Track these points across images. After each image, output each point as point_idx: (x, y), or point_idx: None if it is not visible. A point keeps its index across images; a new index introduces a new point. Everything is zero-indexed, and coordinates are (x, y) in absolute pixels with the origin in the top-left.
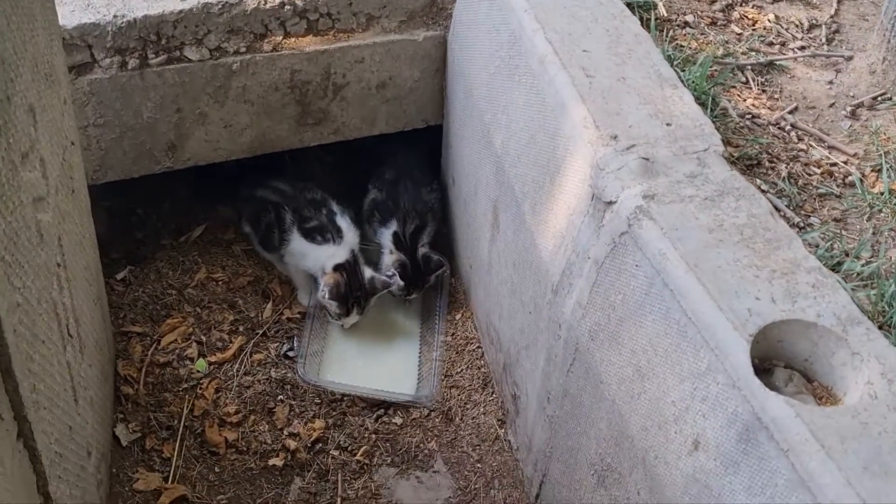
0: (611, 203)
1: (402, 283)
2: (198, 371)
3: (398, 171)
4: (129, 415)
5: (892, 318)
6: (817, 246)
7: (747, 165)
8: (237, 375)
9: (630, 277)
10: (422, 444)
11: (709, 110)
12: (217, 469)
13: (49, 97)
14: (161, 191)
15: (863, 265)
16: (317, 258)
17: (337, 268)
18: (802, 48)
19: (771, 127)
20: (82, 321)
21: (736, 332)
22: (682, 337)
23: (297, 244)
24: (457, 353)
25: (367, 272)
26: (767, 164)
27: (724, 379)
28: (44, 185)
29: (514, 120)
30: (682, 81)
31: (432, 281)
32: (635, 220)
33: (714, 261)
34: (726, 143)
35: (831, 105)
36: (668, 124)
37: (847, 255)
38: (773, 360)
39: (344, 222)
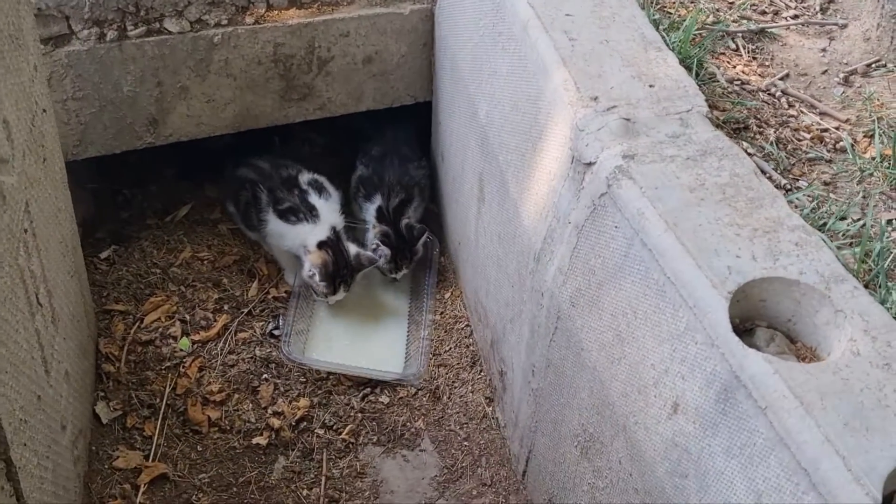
0: (590, 164)
1: (388, 251)
2: (181, 349)
3: (385, 147)
4: (109, 392)
5: (878, 275)
6: (804, 207)
7: (734, 129)
8: (221, 354)
9: (609, 239)
10: (408, 423)
11: (694, 74)
12: (199, 448)
13: (14, 59)
14: (148, 172)
15: (849, 225)
16: (294, 237)
17: (321, 245)
18: (795, 17)
19: (760, 93)
20: (55, 293)
21: (714, 290)
22: (660, 297)
23: (274, 225)
24: (445, 331)
25: (353, 248)
26: (755, 128)
27: (703, 338)
28: (7, 148)
29: (498, 88)
30: (668, 45)
31: (420, 251)
32: (614, 181)
33: (694, 219)
34: (713, 107)
35: (824, 72)
36: (650, 86)
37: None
38: (755, 320)
39: (318, 201)
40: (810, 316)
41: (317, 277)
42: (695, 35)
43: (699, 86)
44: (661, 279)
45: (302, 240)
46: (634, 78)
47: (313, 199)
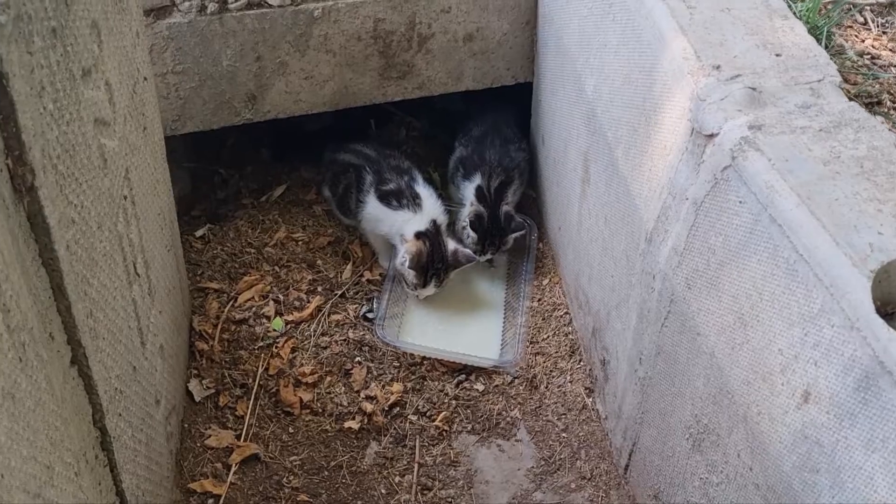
0: (712, 136)
1: (474, 234)
2: (274, 330)
3: (486, 128)
4: (203, 370)
5: None
6: None
7: (866, 104)
8: (314, 335)
9: (732, 216)
10: (504, 412)
11: (823, 46)
12: (291, 430)
13: (118, 22)
14: (245, 153)
15: None
16: (392, 224)
17: (419, 235)
18: None
19: (893, 68)
20: (153, 265)
21: (855, 269)
22: (791, 277)
23: (373, 207)
24: (543, 319)
25: (451, 244)
26: (889, 103)
27: (840, 320)
28: (109, 111)
29: (608, 62)
30: (794, 13)
31: (510, 242)
32: (740, 152)
33: (829, 193)
34: (844, 79)
35: None
36: (777, 55)
37: None
38: None
39: (424, 190)
40: None
41: (407, 264)
42: (820, 6)
43: None
44: (793, 257)
45: (399, 227)
46: (759, 46)
47: (420, 187)
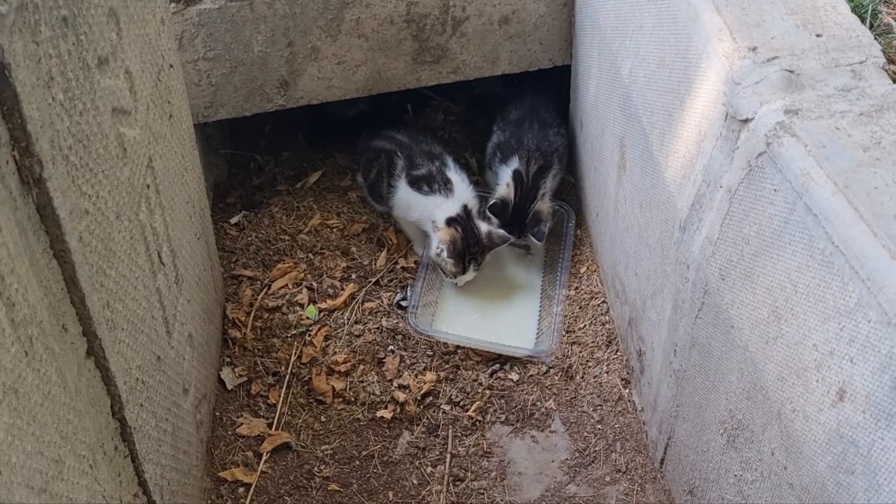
0: (747, 121)
1: (496, 220)
2: (307, 318)
3: (524, 112)
4: (235, 358)
5: None
6: None
7: None
8: (347, 324)
9: (767, 204)
10: (539, 403)
11: (868, 25)
12: (323, 418)
13: (139, 9)
14: (282, 139)
15: None
16: (423, 209)
17: (450, 222)
18: None
19: None
20: (180, 253)
21: (894, 261)
22: (827, 269)
23: (404, 193)
24: (580, 307)
25: (484, 226)
26: None
27: (878, 316)
28: (129, 99)
29: (643, 45)
30: None
31: (532, 230)
32: (775, 138)
33: (868, 181)
34: (890, 61)
35: None
36: (817, 35)
37: None
38: None
39: (455, 175)
40: None
41: (444, 254)
42: None
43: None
44: (829, 248)
45: (430, 213)
46: (799, 27)
47: (451, 172)
